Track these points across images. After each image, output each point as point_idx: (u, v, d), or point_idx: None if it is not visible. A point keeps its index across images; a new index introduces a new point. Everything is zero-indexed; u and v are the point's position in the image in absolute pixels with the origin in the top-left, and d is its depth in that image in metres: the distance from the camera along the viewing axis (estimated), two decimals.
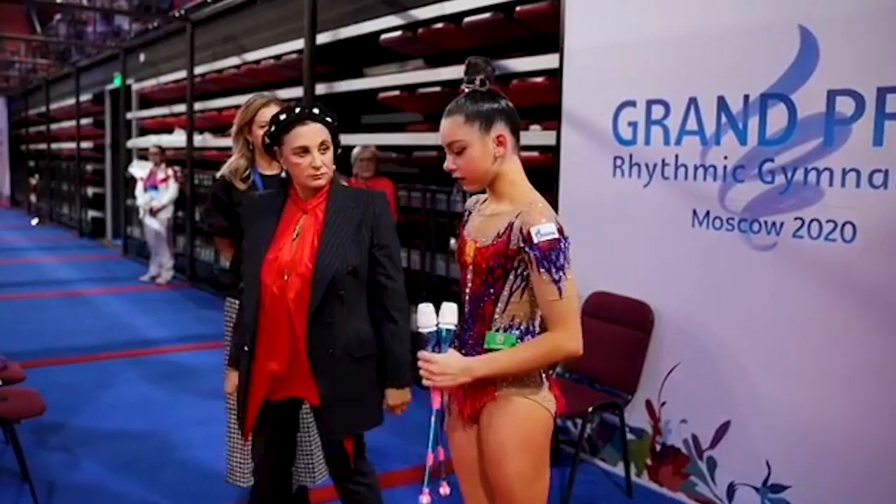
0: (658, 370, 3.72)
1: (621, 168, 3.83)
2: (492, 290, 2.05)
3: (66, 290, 9.19)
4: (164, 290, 9.26)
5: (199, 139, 9.63)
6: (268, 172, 3.20)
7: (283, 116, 2.36)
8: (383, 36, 6.15)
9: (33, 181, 20.29)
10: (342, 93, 6.99)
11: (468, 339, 2.11)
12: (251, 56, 8.39)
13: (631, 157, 3.78)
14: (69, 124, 16.19)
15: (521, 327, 2.05)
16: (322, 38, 6.82)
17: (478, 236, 2.08)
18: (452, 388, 2.13)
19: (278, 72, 7.89)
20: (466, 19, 5.20)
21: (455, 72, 5.50)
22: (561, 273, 1.94)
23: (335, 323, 2.37)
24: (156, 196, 9.25)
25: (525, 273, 2.01)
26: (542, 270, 1.94)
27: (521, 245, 1.97)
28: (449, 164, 2.09)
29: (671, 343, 3.66)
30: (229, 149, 3.43)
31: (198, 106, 9.65)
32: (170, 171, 9.33)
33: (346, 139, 6.58)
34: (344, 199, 2.44)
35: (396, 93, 6.17)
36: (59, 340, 6.66)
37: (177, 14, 9.94)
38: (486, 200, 2.16)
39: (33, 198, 20.17)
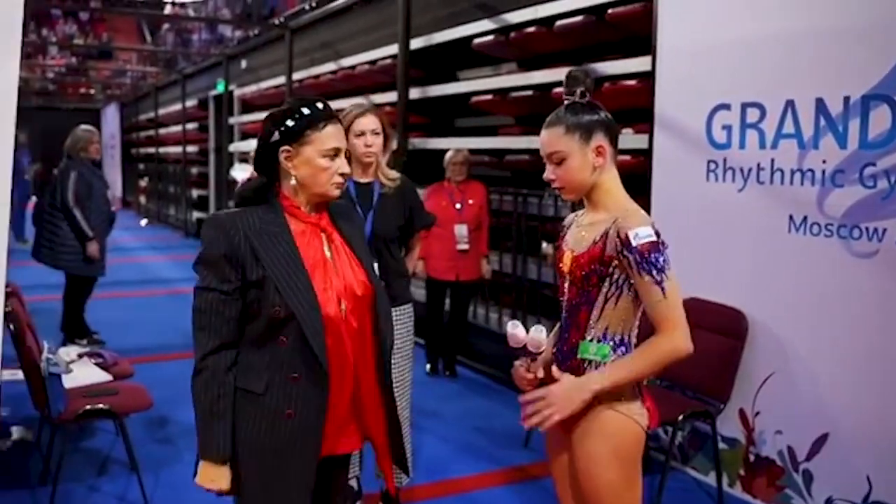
0: (752, 379, 3.63)
1: (715, 172, 3.76)
2: (586, 299, 2.08)
3: (172, 289, 9.60)
4: None
5: None
6: (361, 180, 3.29)
7: (306, 111, 1.99)
8: (476, 40, 6.20)
9: (143, 183, 21.28)
10: (435, 97, 7.08)
11: (564, 347, 2.15)
12: (347, 61, 8.58)
13: (725, 161, 3.71)
14: (176, 129, 16.89)
15: (616, 338, 2.07)
16: (416, 43, 6.92)
17: (575, 246, 2.12)
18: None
19: (373, 77, 8.04)
20: (558, 23, 5.20)
21: (546, 75, 5.50)
22: (662, 274, 1.95)
23: None
24: None
25: (620, 281, 2.02)
26: (643, 273, 1.96)
27: (619, 250, 1.98)
28: (548, 174, 2.13)
29: (766, 352, 3.57)
30: None
31: None
32: None
33: (439, 143, 6.74)
34: (340, 213, 2.16)
35: (489, 97, 6.21)
36: (165, 337, 6.97)
37: (276, 22, 10.26)
38: (583, 213, 2.19)
39: (143, 199, 21.15)
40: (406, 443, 3.40)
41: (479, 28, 6.17)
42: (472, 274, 5.68)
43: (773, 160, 3.49)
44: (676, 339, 1.97)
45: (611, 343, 2.06)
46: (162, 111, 18.44)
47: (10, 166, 2.80)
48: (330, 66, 9.08)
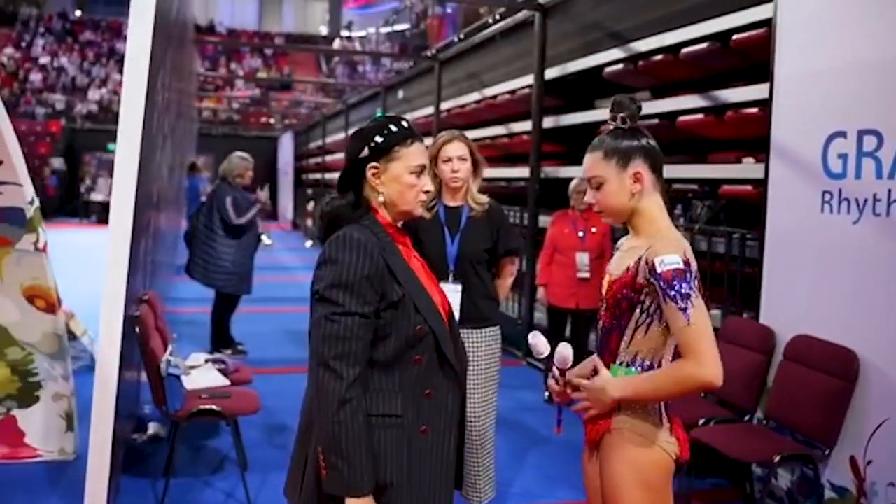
0: (864, 424, 3.39)
1: (829, 203, 3.57)
2: (618, 324, 2.08)
3: None
4: None
5: None
6: (451, 204, 3.40)
7: (394, 127, 2.01)
8: (607, 69, 6.18)
9: (309, 207, 22.46)
10: (572, 125, 7.09)
11: None
12: (490, 91, 8.76)
13: (840, 191, 3.52)
14: (340, 156, 17.77)
15: (644, 364, 2.05)
16: (552, 73, 6.99)
17: (614, 271, 2.13)
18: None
19: (513, 106, 8.16)
20: (684, 50, 5.11)
21: (672, 104, 5.41)
22: (687, 301, 1.94)
23: None
24: None
25: (651, 310, 2.01)
26: (668, 299, 1.96)
27: (647, 277, 1.98)
28: (588, 198, 2.17)
29: (879, 396, 3.33)
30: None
31: None
32: None
33: (570, 171, 6.74)
34: None
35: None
36: (300, 352, 7.34)
37: (428, 54, 10.64)
38: (627, 238, 2.20)
39: (309, 222, 22.30)
40: (489, 462, 3.46)
41: (609, 57, 6.15)
42: (593, 302, 5.61)
43: (890, 191, 3.28)
44: (703, 368, 1.93)
45: (639, 369, 2.05)
46: (329, 139, 19.47)
47: (133, 186, 3.12)
48: (474, 96, 9.30)
